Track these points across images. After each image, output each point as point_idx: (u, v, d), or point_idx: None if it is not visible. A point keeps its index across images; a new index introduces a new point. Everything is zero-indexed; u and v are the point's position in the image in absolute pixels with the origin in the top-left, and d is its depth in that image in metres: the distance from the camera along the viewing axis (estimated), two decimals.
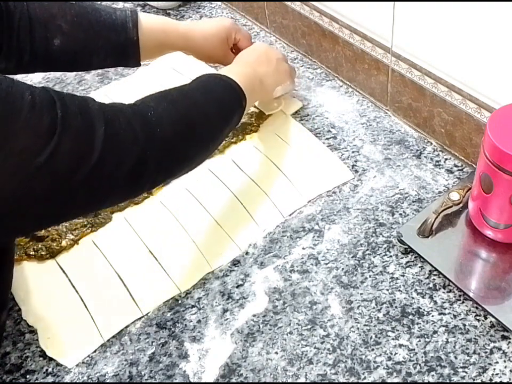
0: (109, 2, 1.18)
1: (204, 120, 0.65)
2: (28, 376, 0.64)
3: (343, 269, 0.70)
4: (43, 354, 0.65)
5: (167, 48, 0.86)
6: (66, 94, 0.54)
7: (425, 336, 0.63)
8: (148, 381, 0.62)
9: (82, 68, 0.88)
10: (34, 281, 0.71)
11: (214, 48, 0.87)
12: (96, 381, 0.63)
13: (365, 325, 0.64)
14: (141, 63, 0.83)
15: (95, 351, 0.65)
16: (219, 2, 1.16)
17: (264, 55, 0.80)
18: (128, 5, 1.17)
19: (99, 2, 1.17)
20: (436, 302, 0.65)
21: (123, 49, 0.79)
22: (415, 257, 0.70)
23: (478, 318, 0.64)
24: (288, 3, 0.96)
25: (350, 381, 0.60)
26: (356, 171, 0.81)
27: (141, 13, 0.80)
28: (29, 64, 0.77)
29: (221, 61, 0.93)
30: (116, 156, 0.54)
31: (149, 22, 0.81)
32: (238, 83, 0.70)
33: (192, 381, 0.62)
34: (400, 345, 0.62)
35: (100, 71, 1.02)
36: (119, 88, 0.98)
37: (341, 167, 0.81)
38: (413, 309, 0.65)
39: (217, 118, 0.68)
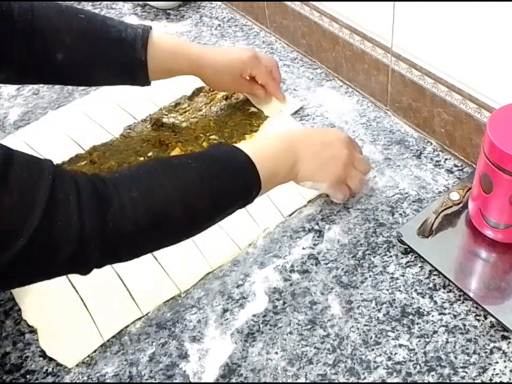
0: (108, 3, 1.18)
1: (187, 213, 0.55)
2: (27, 376, 0.64)
3: (343, 269, 0.70)
4: (43, 354, 0.65)
5: (175, 72, 0.81)
6: (23, 157, 0.48)
7: (425, 336, 0.63)
8: (148, 381, 0.62)
9: (88, 83, 0.84)
10: None
11: (224, 80, 0.83)
12: (96, 381, 0.63)
13: (365, 325, 0.64)
14: (151, 82, 0.79)
15: (95, 351, 0.65)
16: (219, 2, 1.16)
17: (326, 140, 0.69)
18: (128, 5, 1.17)
19: (98, 2, 1.18)
20: (436, 302, 0.65)
21: (130, 68, 0.75)
22: (415, 257, 0.70)
23: (478, 318, 0.64)
24: (288, 3, 0.96)
25: (350, 381, 0.60)
26: None
27: (154, 32, 0.75)
28: (32, 76, 0.75)
29: (232, 90, 0.90)
30: (49, 244, 0.48)
31: (159, 43, 0.75)
32: (257, 166, 0.59)
33: (192, 381, 0.62)
34: (400, 345, 0.62)
35: None
36: (119, 88, 0.98)
37: None
38: (413, 309, 0.65)
39: (208, 211, 0.58)
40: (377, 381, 0.60)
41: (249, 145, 0.62)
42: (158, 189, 0.54)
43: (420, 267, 0.69)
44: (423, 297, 0.66)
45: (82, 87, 0.99)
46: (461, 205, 0.70)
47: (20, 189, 0.46)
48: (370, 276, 0.69)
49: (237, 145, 0.63)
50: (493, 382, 0.59)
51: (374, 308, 0.66)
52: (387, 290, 0.67)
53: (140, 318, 0.67)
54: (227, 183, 0.59)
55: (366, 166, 0.74)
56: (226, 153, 0.61)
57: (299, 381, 0.61)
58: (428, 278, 0.68)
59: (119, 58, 0.74)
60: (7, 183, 0.46)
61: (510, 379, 0.59)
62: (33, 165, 0.49)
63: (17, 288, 0.66)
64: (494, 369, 0.60)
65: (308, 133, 0.72)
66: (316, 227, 0.75)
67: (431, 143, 0.83)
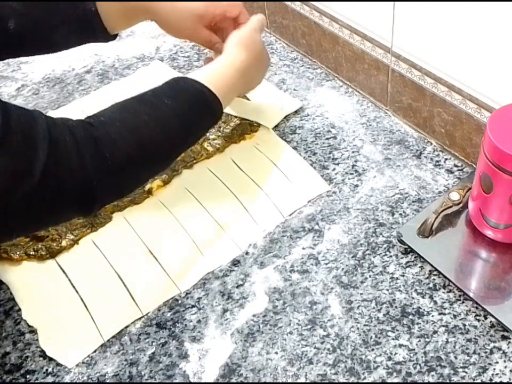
0: None
1: (164, 136, 0.62)
2: (28, 376, 0.64)
3: (343, 269, 0.70)
4: (43, 354, 0.65)
5: (130, 12, 0.75)
6: (15, 107, 0.51)
7: (425, 336, 0.63)
8: (147, 381, 0.62)
9: (46, 48, 0.79)
10: (34, 281, 0.71)
11: (183, 20, 0.75)
12: (96, 381, 0.63)
13: (365, 325, 0.64)
14: (112, 34, 0.74)
15: (95, 351, 0.65)
16: None
17: (260, 57, 0.76)
18: None
19: None
20: (436, 302, 0.66)
21: (84, 21, 0.73)
22: (415, 257, 0.70)
23: (478, 318, 0.64)
24: (288, 3, 0.96)
25: (350, 381, 0.60)
26: (356, 171, 0.81)
27: None
28: None
29: (191, 38, 0.81)
30: (57, 182, 0.51)
31: None
32: (211, 90, 0.65)
33: (192, 381, 0.62)
34: (400, 345, 0.62)
35: (100, 71, 1.02)
36: (119, 88, 0.98)
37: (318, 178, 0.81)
38: (413, 309, 0.65)
39: (181, 133, 0.64)
40: (377, 381, 0.60)
41: (205, 74, 0.68)
42: (143, 127, 0.60)
43: (420, 267, 0.69)
44: (423, 297, 0.66)
45: (83, 87, 0.99)
46: (461, 205, 0.70)
47: (22, 132, 0.50)
48: (370, 276, 0.69)
49: (193, 74, 0.68)
50: (493, 382, 0.59)
51: (374, 308, 0.66)
52: (387, 290, 0.67)
53: (140, 318, 0.67)
54: (191, 106, 0.65)
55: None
56: (188, 86, 0.66)
57: (299, 381, 0.61)
58: (428, 278, 0.68)
59: (70, 12, 0.72)
60: (11, 127, 0.49)
61: (510, 379, 0.59)
62: (27, 112, 0.53)
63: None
64: (494, 369, 0.60)
65: (250, 51, 0.75)
66: (316, 227, 0.75)
67: (431, 143, 0.83)
